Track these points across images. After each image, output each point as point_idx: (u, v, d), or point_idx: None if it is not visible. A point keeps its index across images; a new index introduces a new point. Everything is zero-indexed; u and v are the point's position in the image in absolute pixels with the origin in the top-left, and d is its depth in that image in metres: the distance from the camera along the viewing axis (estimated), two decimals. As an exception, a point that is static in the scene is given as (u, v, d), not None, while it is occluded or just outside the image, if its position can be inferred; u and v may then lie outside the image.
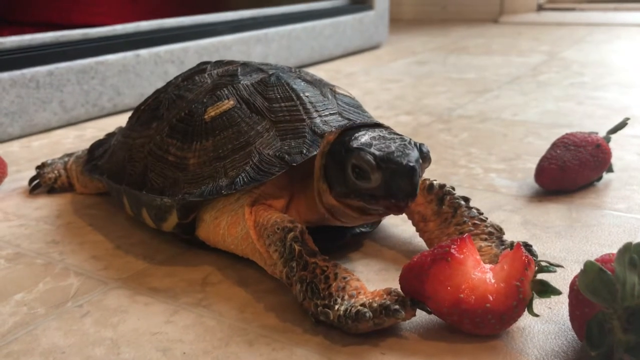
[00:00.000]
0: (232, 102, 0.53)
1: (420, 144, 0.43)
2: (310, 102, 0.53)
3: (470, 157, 0.78)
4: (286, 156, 0.49)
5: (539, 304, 0.44)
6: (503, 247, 0.47)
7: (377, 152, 0.41)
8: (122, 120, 1.03)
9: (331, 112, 0.53)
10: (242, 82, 0.55)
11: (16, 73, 0.92)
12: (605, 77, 1.26)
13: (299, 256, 0.43)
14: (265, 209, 0.48)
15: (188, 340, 0.41)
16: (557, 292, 0.38)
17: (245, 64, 0.59)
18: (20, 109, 0.93)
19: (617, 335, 0.35)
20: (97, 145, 0.69)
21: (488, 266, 0.40)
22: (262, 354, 0.40)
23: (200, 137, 0.52)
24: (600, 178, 0.66)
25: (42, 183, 0.71)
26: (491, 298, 0.38)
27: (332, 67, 1.49)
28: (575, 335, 0.39)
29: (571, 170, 0.63)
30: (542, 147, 0.70)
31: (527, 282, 0.39)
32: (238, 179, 0.49)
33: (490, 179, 0.70)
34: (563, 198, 0.63)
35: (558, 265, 0.42)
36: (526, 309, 0.39)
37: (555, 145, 0.65)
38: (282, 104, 0.52)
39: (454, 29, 2.25)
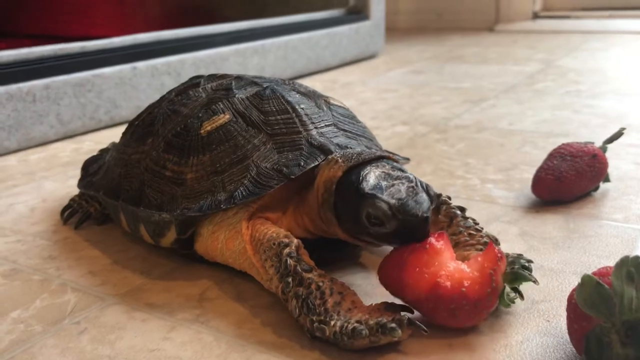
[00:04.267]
0: (227, 116, 0.53)
1: (427, 185, 0.44)
2: (306, 114, 0.53)
3: (467, 167, 0.78)
4: (284, 169, 0.49)
5: (536, 316, 0.44)
6: None
7: (392, 201, 0.42)
8: (119, 133, 1.03)
9: (326, 123, 0.54)
10: (237, 96, 0.55)
11: (13, 87, 0.93)
12: (601, 85, 1.26)
13: (294, 272, 0.43)
14: (262, 223, 0.48)
15: (186, 357, 0.41)
16: (527, 279, 0.41)
17: (238, 77, 0.59)
18: (17, 122, 0.93)
19: (616, 349, 0.35)
20: (91, 162, 0.69)
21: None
22: (260, 371, 0.39)
23: (197, 152, 0.52)
24: (597, 188, 0.66)
25: (78, 208, 0.65)
26: (466, 284, 0.40)
27: (329, 78, 1.50)
28: (574, 349, 0.39)
29: (568, 180, 0.63)
30: (539, 156, 0.71)
31: (500, 273, 0.40)
32: (237, 193, 0.49)
33: (487, 190, 0.70)
34: (560, 209, 0.63)
35: (529, 261, 0.45)
36: (499, 300, 0.41)
37: (551, 156, 0.65)
38: (278, 117, 0.53)
39: (449, 37, 2.26)
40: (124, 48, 1.12)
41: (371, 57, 1.81)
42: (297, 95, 0.55)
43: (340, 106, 0.58)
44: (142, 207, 0.53)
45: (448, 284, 0.40)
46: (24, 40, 1.49)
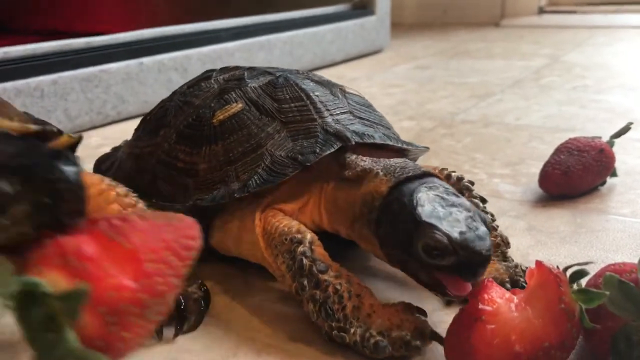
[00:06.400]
0: (240, 105, 0.52)
1: (483, 215, 0.40)
2: (321, 102, 0.52)
3: (474, 162, 0.78)
4: (299, 156, 0.48)
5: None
6: (505, 263, 0.47)
7: (453, 235, 0.37)
8: (126, 127, 1.04)
9: (342, 110, 0.52)
10: (249, 85, 0.54)
11: (21, 82, 0.93)
12: (607, 80, 1.26)
13: (309, 272, 0.41)
14: (274, 215, 0.47)
15: (196, 350, 0.42)
16: (603, 296, 0.35)
17: (251, 68, 0.58)
18: (24, 118, 0.94)
19: (647, 348, 0.33)
20: (103, 159, 0.68)
21: (515, 297, 0.36)
22: (270, 363, 0.40)
23: (209, 142, 0.51)
24: (604, 182, 0.66)
25: None
26: (544, 334, 0.35)
27: (335, 73, 1.50)
28: (590, 351, 0.38)
29: (575, 175, 0.63)
30: (546, 151, 0.71)
31: (569, 298, 0.35)
32: (250, 182, 0.48)
33: (495, 185, 0.70)
34: (567, 203, 0.64)
35: (587, 263, 0.38)
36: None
37: (558, 151, 0.65)
38: (292, 105, 0.52)
39: (455, 32, 2.25)
40: (129, 43, 1.12)
41: (377, 52, 1.81)
42: (312, 83, 0.54)
43: (356, 94, 0.56)
44: (155, 199, 0.52)
45: (526, 345, 0.34)
46: (29, 36, 1.49)
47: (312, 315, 0.41)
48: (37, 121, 0.45)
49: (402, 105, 1.13)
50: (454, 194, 0.41)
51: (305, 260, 0.42)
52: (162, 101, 0.62)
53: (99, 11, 1.64)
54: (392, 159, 0.46)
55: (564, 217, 0.61)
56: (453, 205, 0.39)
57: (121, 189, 0.44)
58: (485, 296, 0.36)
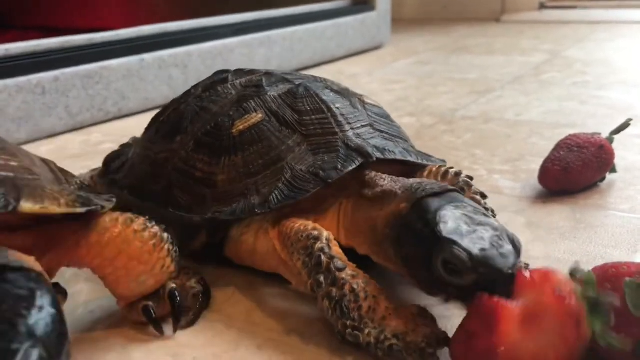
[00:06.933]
0: (260, 115, 0.51)
1: (513, 236, 0.38)
2: (342, 114, 0.51)
3: (474, 158, 0.79)
4: (320, 172, 0.47)
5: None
6: None
7: (473, 251, 0.36)
8: (127, 124, 1.04)
9: (363, 124, 0.52)
10: (269, 94, 0.53)
11: (22, 79, 0.93)
12: (608, 76, 1.26)
13: (326, 269, 0.41)
14: (289, 220, 0.47)
15: (197, 344, 0.42)
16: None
17: (269, 74, 0.57)
18: (26, 114, 0.94)
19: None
20: (113, 158, 0.65)
21: (522, 316, 0.34)
22: (271, 357, 0.40)
23: (228, 153, 0.50)
24: (603, 179, 0.67)
25: None
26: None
27: (335, 69, 1.50)
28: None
29: (575, 171, 0.63)
30: (546, 147, 0.71)
31: (587, 336, 0.34)
32: (272, 197, 0.47)
33: (494, 181, 0.70)
34: (567, 199, 0.64)
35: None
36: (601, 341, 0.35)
37: (558, 147, 0.65)
38: (313, 117, 0.51)
39: (455, 28, 2.25)
40: (130, 40, 1.12)
41: (377, 48, 1.81)
42: (332, 94, 0.53)
43: (374, 105, 0.56)
44: (171, 208, 0.51)
45: None
46: (30, 32, 1.50)
47: (326, 313, 0.41)
48: (79, 199, 0.40)
49: (402, 101, 1.13)
50: (483, 213, 0.40)
51: (323, 257, 0.41)
52: (175, 102, 0.59)
53: (99, 9, 1.64)
54: (410, 179, 0.45)
55: (564, 213, 0.61)
56: (480, 224, 0.38)
57: (138, 223, 0.42)
58: (500, 326, 0.34)
